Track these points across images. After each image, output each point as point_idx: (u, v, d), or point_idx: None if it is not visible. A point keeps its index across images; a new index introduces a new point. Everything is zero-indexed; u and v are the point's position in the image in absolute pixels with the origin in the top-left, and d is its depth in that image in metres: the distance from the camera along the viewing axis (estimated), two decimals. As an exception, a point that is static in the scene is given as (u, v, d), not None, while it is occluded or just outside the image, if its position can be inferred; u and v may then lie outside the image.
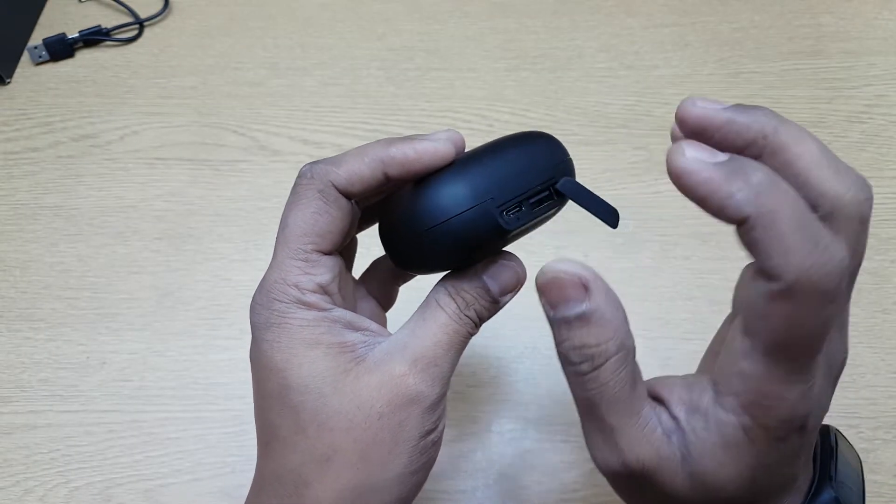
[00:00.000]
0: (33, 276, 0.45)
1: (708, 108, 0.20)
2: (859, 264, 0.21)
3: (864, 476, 0.25)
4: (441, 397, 0.24)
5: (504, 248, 0.26)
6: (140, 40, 0.57)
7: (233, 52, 0.56)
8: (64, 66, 0.56)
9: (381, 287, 0.30)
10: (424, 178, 0.25)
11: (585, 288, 0.21)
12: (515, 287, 0.26)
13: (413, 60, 0.55)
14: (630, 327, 0.22)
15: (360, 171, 0.24)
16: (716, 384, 0.21)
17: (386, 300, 0.31)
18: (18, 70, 0.56)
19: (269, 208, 0.48)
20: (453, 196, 0.24)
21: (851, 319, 0.43)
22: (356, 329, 0.25)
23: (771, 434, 0.20)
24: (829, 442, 0.24)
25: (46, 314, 0.44)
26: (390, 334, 0.25)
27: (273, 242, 0.48)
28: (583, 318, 0.21)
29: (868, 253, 0.47)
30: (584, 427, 0.23)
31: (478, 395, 0.40)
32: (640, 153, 0.49)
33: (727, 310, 0.43)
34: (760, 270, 0.18)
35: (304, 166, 0.25)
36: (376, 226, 0.28)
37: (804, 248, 0.18)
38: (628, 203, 0.47)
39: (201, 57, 0.56)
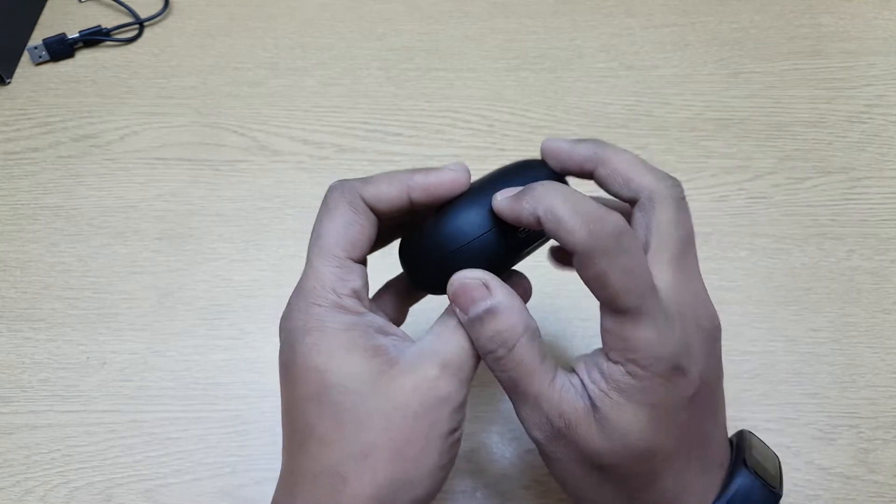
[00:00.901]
0: (33, 276, 0.45)
1: (559, 143, 0.29)
2: (691, 232, 0.26)
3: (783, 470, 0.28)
4: (465, 399, 0.26)
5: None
6: (140, 40, 0.57)
7: (233, 52, 0.56)
8: (64, 66, 0.56)
9: (393, 307, 0.32)
10: (444, 207, 0.28)
11: (487, 287, 0.26)
12: (525, 301, 0.28)
13: (413, 60, 0.55)
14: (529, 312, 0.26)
15: (387, 190, 0.27)
16: (604, 347, 0.25)
17: (397, 319, 0.32)
18: (18, 70, 0.56)
19: (270, 208, 0.48)
20: (472, 221, 0.27)
21: (851, 320, 0.43)
22: (386, 334, 0.27)
23: (646, 369, 0.24)
24: (742, 437, 0.28)
25: (47, 314, 0.44)
26: (413, 340, 0.27)
27: (273, 242, 0.48)
28: (491, 312, 0.25)
29: (868, 253, 0.47)
30: (514, 406, 0.27)
31: (478, 395, 0.40)
32: (640, 153, 0.49)
33: (727, 309, 0.43)
34: (570, 251, 0.24)
35: (335, 182, 0.28)
36: (385, 249, 0.30)
37: (580, 223, 0.24)
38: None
39: (201, 57, 0.56)
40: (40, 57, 0.56)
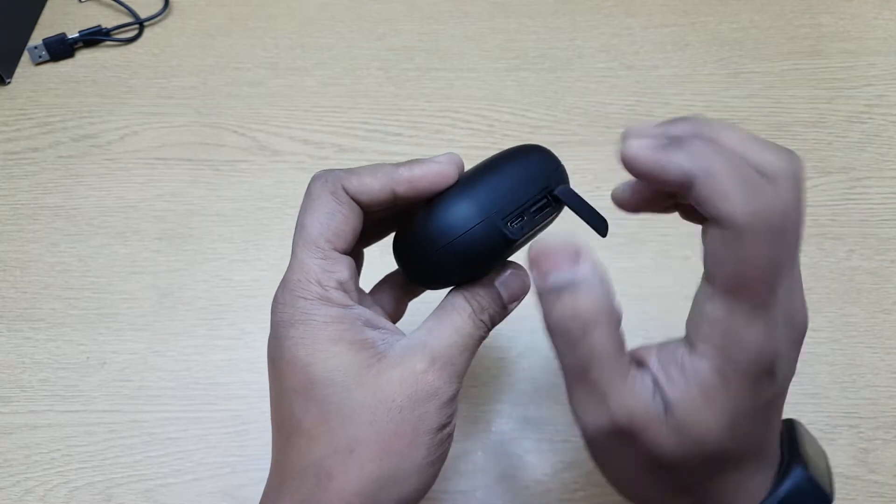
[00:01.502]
0: (33, 276, 0.45)
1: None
2: (802, 222, 0.22)
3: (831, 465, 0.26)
4: (456, 393, 0.25)
5: (510, 259, 0.28)
6: (140, 40, 0.57)
7: (233, 52, 0.56)
8: (64, 66, 0.56)
9: (391, 301, 0.31)
10: (433, 200, 0.27)
11: (577, 256, 0.23)
12: (522, 295, 0.28)
13: (413, 60, 0.55)
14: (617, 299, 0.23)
15: (370, 183, 0.26)
16: (688, 338, 0.23)
17: (395, 314, 0.32)
18: (18, 70, 0.56)
19: (270, 208, 0.48)
20: (462, 214, 0.26)
21: (852, 320, 0.43)
22: (374, 327, 0.26)
23: (741, 372, 0.21)
24: (793, 428, 0.26)
25: (47, 314, 0.44)
26: (404, 334, 0.27)
27: (273, 242, 0.48)
28: (575, 285, 0.22)
29: (868, 253, 0.47)
30: (571, 393, 0.24)
31: (478, 395, 0.40)
32: (640, 153, 0.49)
33: (727, 310, 0.43)
34: (713, 220, 0.21)
35: (318, 172, 0.27)
36: (388, 242, 0.29)
37: (747, 194, 0.20)
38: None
39: (201, 57, 0.56)
40: (40, 57, 0.56)
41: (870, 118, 0.51)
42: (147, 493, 0.38)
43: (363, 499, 0.24)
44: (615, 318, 0.23)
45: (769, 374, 0.22)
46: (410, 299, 0.32)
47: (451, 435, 0.26)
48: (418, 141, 0.51)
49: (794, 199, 0.22)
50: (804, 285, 0.44)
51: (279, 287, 0.27)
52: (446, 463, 0.38)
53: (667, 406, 0.22)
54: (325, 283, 0.25)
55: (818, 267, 0.44)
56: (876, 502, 0.37)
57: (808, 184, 0.48)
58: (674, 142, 0.22)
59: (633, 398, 0.22)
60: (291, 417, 0.25)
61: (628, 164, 0.22)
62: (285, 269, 0.47)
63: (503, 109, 0.52)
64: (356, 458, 0.24)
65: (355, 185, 0.26)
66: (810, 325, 0.42)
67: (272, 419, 0.27)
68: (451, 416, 0.25)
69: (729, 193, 0.21)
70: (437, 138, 0.51)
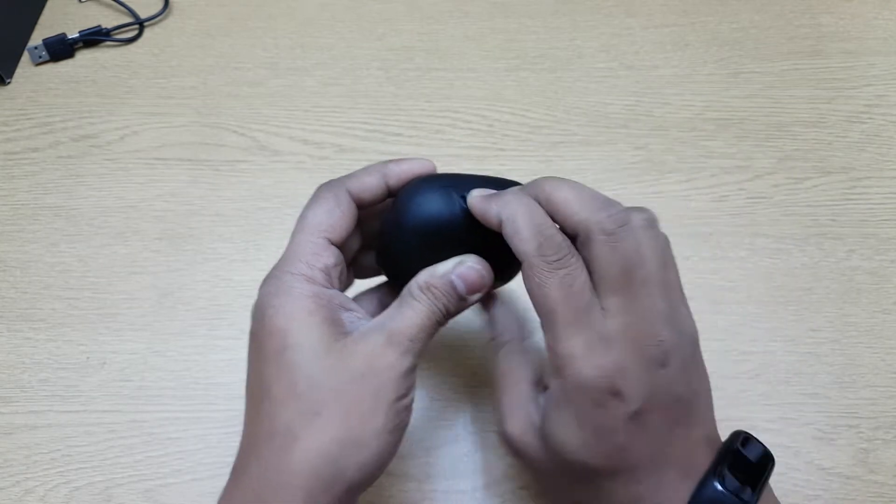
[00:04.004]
0: (33, 276, 0.45)
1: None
2: (637, 259, 0.26)
3: (771, 471, 0.27)
4: (411, 368, 0.28)
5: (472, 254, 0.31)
6: (140, 40, 0.57)
7: (233, 52, 0.56)
8: (64, 66, 0.56)
9: (372, 307, 0.34)
10: (395, 204, 0.31)
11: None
12: (481, 288, 0.30)
13: (413, 60, 0.55)
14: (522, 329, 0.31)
15: (367, 180, 0.31)
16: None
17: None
18: (18, 70, 0.56)
19: (269, 208, 0.48)
20: (423, 186, 0.30)
21: (852, 320, 0.43)
22: (347, 309, 0.29)
23: (579, 391, 0.26)
24: (732, 438, 0.28)
25: (47, 314, 0.44)
26: (372, 320, 0.30)
27: (273, 242, 0.49)
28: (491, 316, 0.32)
29: (868, 253, 0.47)
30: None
31: (478, 395, 0.40)
32: (640, 153, 0.50)
33: (727, 309, 0.43)
34: (519, 258, 0.27)
35: (324, 182, 0.31)
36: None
37: (532, 237, 0.27)
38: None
39: (201, 57, 0.56)
40: (40, 57, 0.56)
41: (870, 118, 0.51)
42: (147, 493, 0.38)
43: (326, 459, 0.26)
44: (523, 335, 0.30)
45: (612, 393, 0.25)
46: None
47: (408, 407, 0.28)
48: (418, 141, 0.51)
49: (615, 249, 0.26)
50: (804, 284, 0.44)
51: (274, 266, 0.29)
52: (447, 463, 0.38)
53: (538, 420, 0.28)
54: (312, 264, 0.29)
55: (818, 267, 0.44)
56: (876, 502, 0.37)
57: (809, 184, 0.48)
58: (498, 195, 0.28)
59: (515, 418, 0.29)
60: (263, 385, 0.27)
61: (471, 209, 0.29)
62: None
63: (503, 109, 0.52)
64: (320, 420, 0.26)
65: (356, 185, 0.30)
66: (810, 325, 0.42)
67: (246, 390, 0.29)
68: (409, 389, 0.28)
69: (522, 236, 0.27)
70: (437, 138, 0.51)
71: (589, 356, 0.26)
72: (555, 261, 0.26)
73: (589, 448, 0.26)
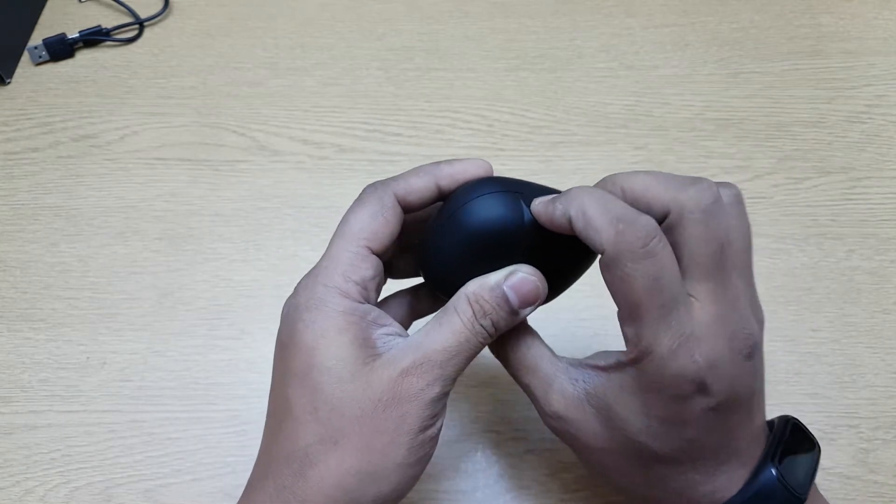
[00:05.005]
0: (33, 276, 0.45)
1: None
2: (727, 240, 0.25)
3: (819, 461, 0.28)
4: (440, 397, 0.26)
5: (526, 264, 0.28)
6: (140, 40, 0.57)
7: (233, 52, 0.56)
8: (64, 66, 0.56)
9: (400, 314, 0.32)
10: (441, 213, 0.29)
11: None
12: (535, 300, 0.27)
13: (413, 60, 0.55)
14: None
15: (416, 182, 0.28)
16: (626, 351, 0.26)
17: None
18: (18, 70, 0.56)
19: (269, 208, 0.48)
20: (483, 193, 0.27)
21: (852, 320, 0.43)
22: (381, 326, 0.27)
23: (660, 386, 0.24)
24: (784, 427, 0.27)
25: (47, 314, 0.44)
26: (407, 336, 0.28)
27: (273, 242, 0.49)
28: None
29: (868, 253, 0.47)
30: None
31: (478, 395, 0.40)
32: (640, 153, 0.50)
33: (727, 310, 0.43)
34: (596, 251, 0.25)
35: (371, 183, 0.29)
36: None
37: (609, 225, 0.24)
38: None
39: (201, 57, 0.56)
40: (40, 57, 0.56)
41: (870, 118, 0.51)
42: (147, 493, 0.38)
43: (342, 491, 0.25)
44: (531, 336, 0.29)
45: (699, 390, 0.24)
46: (416, 318, 0.33)
47: (434, 438, 0.26)
48: (418, 141, 0.51)
49: (708, 229, 0.24)
50: (804, 284, 0.44)
51: (307, 274, 0.28)
52: (447, 463, 0.38)
53: (594, 401, 0.26)
54: (349, 276, 0.27)
55: (818, 267, 0.44)
56: (876, 502, 0.37)
57: (808, 184, 0.48)
58: (560, 196, 0.26)
59: (560, 395, 0.27)
60: (286, 402, 0.26)
61: (536, 217, 0.27)
62: (285, 269, 0.47)
63: (503, 109, 0.52)
64: (339, 449, 0.25)
65: (402, 187, 0.28)
66: (810, 325, 0.42)
67: (269, 404, 0.28)
68: (435, 419, 0.26)
69: (597, 227, 0.24)
70: (437, 138, 0.51)
71: (676, 353, 0.24)
72: (640, 247, 0.23)
73: (655, 436, 0.25)
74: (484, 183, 0.28)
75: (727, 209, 0.25)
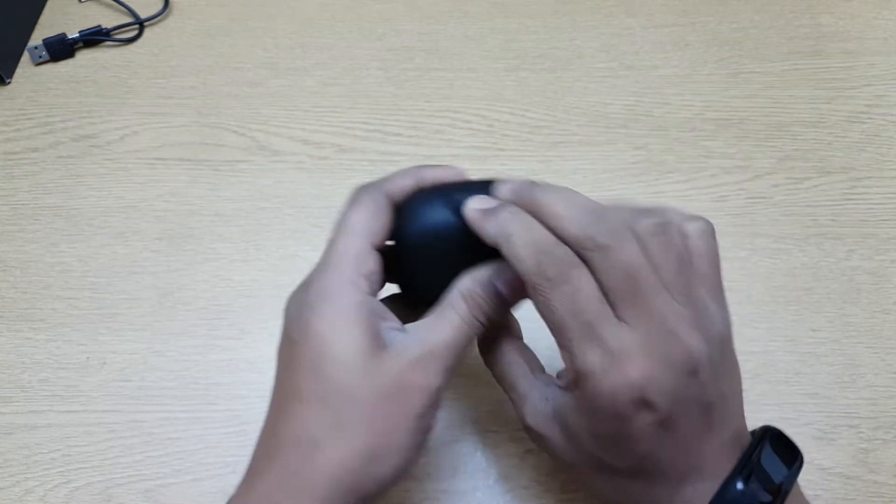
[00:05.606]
0: (33, 276, 0.45)
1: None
2: (642, 266, 0.25)
3: (801, 468, 0.28)
4: (441, 388, 0.28)
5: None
6: (140, 40, 0.57)
7: (233, 52, 0.56)
8: (64, 66, 0.56)
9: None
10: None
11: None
12: (522, 288, 0.28)
13: (413, 60, 0.55)
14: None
15: (402, 182, 0.30)
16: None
17: None
18: (18, 70, 0.56)
19: (269, 208, 0.48)
20: (420, 201, 0.30)
21: (852, 320, 0.43)
22: (385, 320, 0.29)
23: (599, 406, 0.25)
24: (759, 439, 0.28)
25: (47, 314, 0.44)
26: (405, 331, 0.29)
27: (273, 242, 0.49)
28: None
29: (868, 253, 0.47)
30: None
31: (478, 395, 0.40)
32: (640, 153, 0.49)
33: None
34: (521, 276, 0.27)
35: (361, 185, 0.31)
36: None
37: (530, 256, 0.26)
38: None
39: (201, 57, 0.56)
40: (40, 57, 0.56)
41: (870, 118, 0.51)
42: (147, 493, 0.38)
43: (346, 471, 0.26)
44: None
45: (643, 405, 0.25)
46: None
47: (431, 426, 0.28)
48: (418, 141, 0.51)
49: (616, 259, 0.26)
50: (804, 284, 0.44)
51: (312, 271, 0.29)
52: (447, 463, 0.38)
53: (559, 417, 0.28)
54: (359, 271, 0.28)
55: (818, 267, 0.44)
56: (876, 502, 0.37)
57: (808, 184, 0.48)
58: (494, 210, 0.28)
59: (532, 411, 0.29)
60: (294, 386, 0.27)
61: (470, 224, 0.28)
62: (285, 269, 0.47)
63: (503, 109, 0.52)
64: (346, 434, 0.26)
65: (393, 187, 0.30)
66: (810, 325, 0.42)
67: (274, 392, 0.29)
68: (434, 408, 0.28)
69: (519, 255, 0.26)
70: (437, 138, 0.51)
71: (609, 372, 0.25)
72: (554, 277, 0.25)
73: (607, 452, 0.27)
74: (423, 191, 0.30)
75: (639, 241, 0.26)
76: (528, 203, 0.28)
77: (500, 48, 0.56)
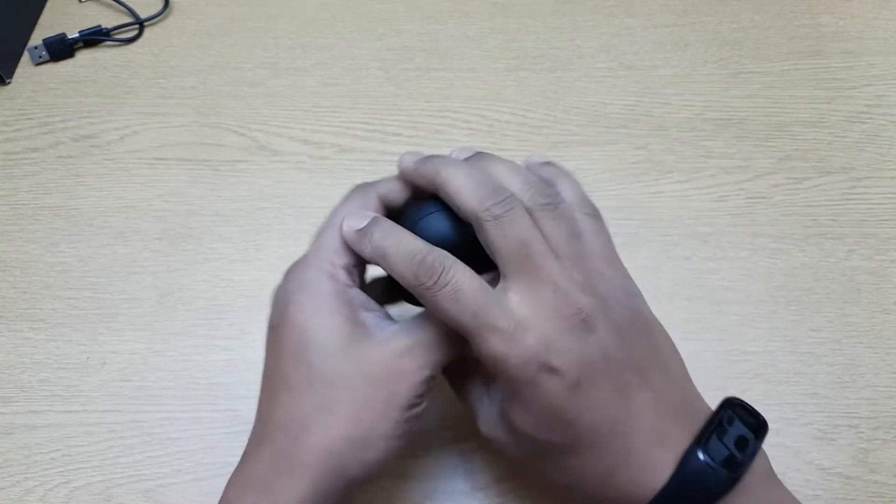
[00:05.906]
0: (33, 276, 0.45)
1: (406, 161, 0.30)
2: (527, 238, 0.26)
3: (765, 435, 0.28)
4: (428, 379, 0.28)
5: None
6: (140, 40, 0.57)
7: (233, 52, 0.56)
8: (64, 66, 0.56)
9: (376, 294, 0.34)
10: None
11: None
12: None
13: (413, 60, 0.55)
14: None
15: (395, 184, 0.31)
16: None
17: None
18: (18, 70, 0.56)
19: (269, 208, 0.48)
20: (432, 204, 0.29)
21: (852, 320, 0.43)
22: (368, 310, 0.29)
23: (515, 383, 0.26)
24: (720, 408, 0.29)
25: (47, 314, 0.44)
26: (395, 321, 0.30)
27: (273, 242, 0.49)
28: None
29: (868, 253, 0.47)
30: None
31: (478, 395, 0.40)
32: (640, 153, 0.49)
33: (727, 309, 0.43)
34: None
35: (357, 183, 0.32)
36: None
37: (407, 269, 0.26)
38: (628, 203, 0.47)
39: (201, 57, 0.56)
40: (40, 57, 0.56)
41: (870, 118, 0.51)
42: (147, 493, 0.38)
43: (332, 455, 0.27)
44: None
45: (548, 371, 0.25)
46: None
47: (418, 416, 0.28)
48: (418, 141, 0.51)
49: (503, 230, 0.26)
50: (804, 284, 0.44)
51: (296, 260, 0.30)
52: (447, 463, 0.38)
53: (503, 416, 0.28)
54: (336, 263, 0.29)
55: (818, 267, 0.44)
56: (876, 502, 0.37)
57: (808, 184, 0.48)
58: (367, 229, 0.28)
59: (484, 419, 0.30)
60: (281, 375, 0.28)
61: (348, 243, 0.29)
62: (285, 269, 0.47)
63: (503, 109, 0.52)
64: (332, 417, 0.27)
65: (385, 188, 0.31)
66: (810, 325, 0.42)
67: (263, 383, 0.29)
68: (422, 399, 0.28)
69: (398, 271, 0.27)
70: (437, 138, 0.51)
71: (510, 347, 0.25)
72: (433, 284, 0.26)
73: (543, 429, 0.27)
74: (428, 202, 0.30)
75: (531, 214, 0.27)
76: (429, 176, 0.29)
77: (500, 48, 0.56)
